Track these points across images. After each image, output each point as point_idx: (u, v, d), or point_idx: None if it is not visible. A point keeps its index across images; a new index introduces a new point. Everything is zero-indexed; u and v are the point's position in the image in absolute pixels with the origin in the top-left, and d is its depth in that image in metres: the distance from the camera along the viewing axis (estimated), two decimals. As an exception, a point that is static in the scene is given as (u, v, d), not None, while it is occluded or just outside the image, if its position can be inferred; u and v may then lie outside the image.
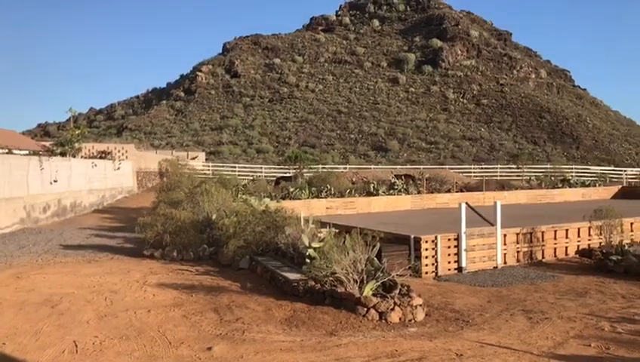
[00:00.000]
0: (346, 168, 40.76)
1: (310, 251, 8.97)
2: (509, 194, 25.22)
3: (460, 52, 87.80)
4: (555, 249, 12.50)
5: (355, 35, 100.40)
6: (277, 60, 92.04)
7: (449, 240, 10.89)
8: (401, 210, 21.01)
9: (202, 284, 9.18)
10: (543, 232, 12.30)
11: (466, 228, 10.95)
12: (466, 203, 11.37)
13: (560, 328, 6.79)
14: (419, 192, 24.17)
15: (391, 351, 5.81)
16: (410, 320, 7.04)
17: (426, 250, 10.59)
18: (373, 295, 7.36)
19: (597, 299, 8.41)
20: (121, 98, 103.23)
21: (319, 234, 10.34)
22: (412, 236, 10.73)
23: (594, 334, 6.52)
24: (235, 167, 40.09)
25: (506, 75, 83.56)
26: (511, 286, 9.53)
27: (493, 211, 11.44)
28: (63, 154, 22.03)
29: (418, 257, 10.45)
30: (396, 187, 24.26)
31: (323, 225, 12.02)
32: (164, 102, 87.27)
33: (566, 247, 12.67)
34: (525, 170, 41.12)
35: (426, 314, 7.35)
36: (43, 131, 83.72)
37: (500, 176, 40.44)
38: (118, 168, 25.46)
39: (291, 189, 22.13)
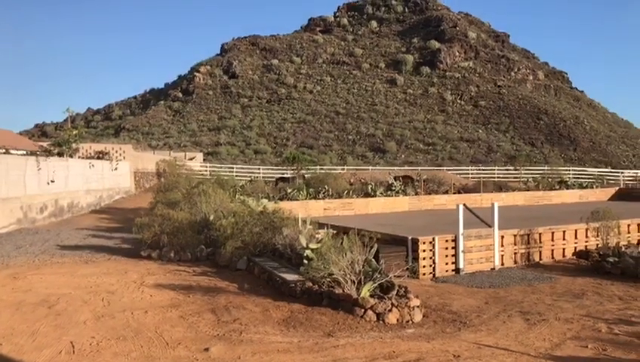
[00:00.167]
0: (343, 169, 40.78)
1: (308, 252, 8.97)
2: (506, 195, 25.26)
3: (457, 53, 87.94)
4: (552, 250, 12.52)
5: (353, 37, 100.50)
6: (275, 61, 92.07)
7: (447, 241, 10.91)
8: (398, 212, 21.01)
9: (200, 285, 9.16)
10: (540, 234, 12.32)
11: (463, 229, 10.96)
12: (464, 204, 11.39)
13: (557, 329, 6.80)
14: (416, 193, 24.19)
15: (388, 352, 5.81)
16: (407, 322, 7.04)
17: (424, 251, 10.60)
18: (371, 296, 7.36)
19: (594, 301, 8.43)
20: (119, 98, 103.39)
21: (317, 235, 10.35)
22: (410, 237, 10.74)
23: (591, 335, 6.53)
24: (232, 168, 40.06)
25: (504, 76, 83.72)
26: (508, 287, 9.54)
27: (490, 213, 11.46)
28: (60, 155, 21.97)
29: (416, 258, 10.46)
30: (394, 188, 24.27)
31: (321, 226, 12.02)
32: (162, 102, 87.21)
33: (563, 249, 12.70)
34: (523, 171, 41.17)
35: (424, 316, 7.35)
36: (40, 131, 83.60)
37: (498, 177, 40.51)
38: (116, 169, 25.41)
39: (289, 190, 22.14)
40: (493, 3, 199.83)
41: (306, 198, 21.07)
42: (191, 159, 41.09)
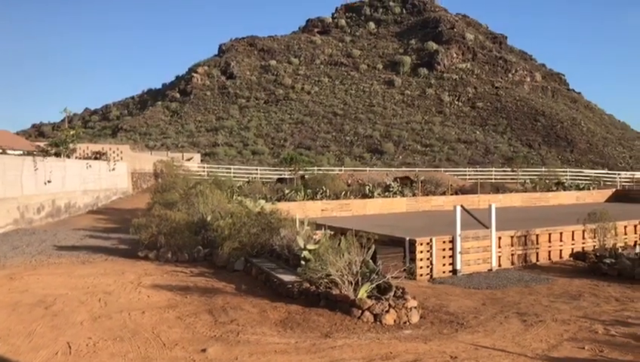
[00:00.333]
0: (341, 170, 40.78)
1: (305, 253, 8.97)
2: (503, 197, 25.31)
3: (455, 55, 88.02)
4: (549, 252, 12.55)
5: (351, 38, 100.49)
6: (273, 62, 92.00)
7: (444, 242, 10.92)
8: (396, 213, 21.04)
9: (197, 286, 9.16)
10: (537, 235, 12.35)
11: (460, 230, 10.98)
12: (461, 205, 11.41)
13: (554, 331, 6.81)
14: (414, 195, 24.22)
15: (385, 353, 5.81)
16: (404, 323, 7.05)
17: (421, 252, 10.62)
18: (368, 297, 7.37)
19: (591, 302, 8.45)
20: (117, 99, 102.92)
21: (314, 236, 10.35)
22: (407, 238, 10.75)
23: (588, 337, 6.55)
24: (230, 169, 40.03)
25: (501, 78, 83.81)
26: (505, 288, 9.56)
27: (488, 214, 11.48)
28: (57, 155, 21.93)
29: (413, 259, 10.48)
30: (391, 189, 24.30)
31: (318, 227, 12.01)
32: (160, 103, 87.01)
33: (560, 250, 12.73)
34: (520, 173, 41.24)
35: (421, 317, 7.36)
36: (37, 131, 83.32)
37: (495, 179, 40.55)
38: (113, 169, 25.36)
39: (286, 191, 22.15)
40: (490, 5, 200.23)
41: (303, 199, 21.08)
42: (188, 160, 41.05)
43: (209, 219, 13.25)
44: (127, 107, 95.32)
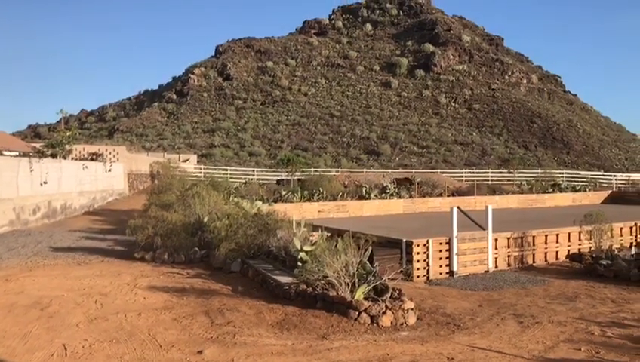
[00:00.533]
0: (338, 171, 40.76)
1: (302, 254, 8.96)
2: (500, 198, 25.35)
3: (452, 57, 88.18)
4: (545, 253, 12.58)
5: (348, 39, 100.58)
6: (270, 63, 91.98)
7: (440, 244, 10.93)
8: (393, 214, 21.05)
9: (193, 287, 9.13)
10: (533, 237, 12.37)
11: (457, 232, 10.99)
12: (458, 207, 11.42)
13: (550, 332, 6.82)
14: (411, 196, 24.24)
15: (382, 354, 5.81)
16: (401, 324, 7.04)
17: (418, 253, 10.62)
18: (365, 298, 7.36)
19: (587, 304, 8.46)
20: (113, 100, 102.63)
21: (311, 238, 10.34)
22: (404, 240, 10.76)
23: (584, 338, 6.56)
24: (227, 170, 39.98)
25: (498, 80, 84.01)
26: (502, 290, 9.57)
27: (484, 215, 11.50)
28: (53, 156, 21.85)
29: (410, 261, 10.48)
30: (388, 191, 24.32)
31: (315, 228, 12.02)
32: (156, 104, 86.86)
33: (556, 252, 12.75)
34: (516, 174, 41.33)
35: (418, 318, 7.36)
36: (33, 133, 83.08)
37: (492, 180, 40.61)
38: (109, 170, 25.29)
39: (283, 192, 22.13)
40: (487, 7, 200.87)
41: (300, 201, 21.07)
42: (185, 161, 40.99)
43: (205, 220, 13.23)
44: (124, 108, 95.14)
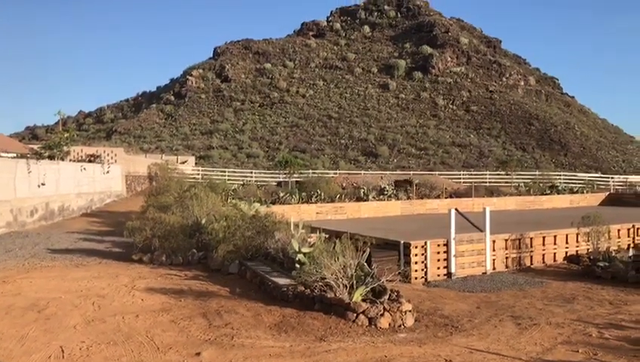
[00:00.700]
0: (336, 173, 40.77)
1: (300, 256, 8.96)
2: (497, 200, 25.38)
3: (449, 59, 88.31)
4: (543, 255, 12.59)
5: (346, 41, 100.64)
6: (268, 65, 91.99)
7: (438, 245, 10.94)
8: (390, 216, 21.05)
9: (191, 289, 9.12)
10: (531, 238, 12.39)
11: (455, 234, 11.00)
12: (456, 209, 11.42)
13: (548, 334, 6.83)
14: (409, 198, 24.25)
15: (380, 356, 5.80)
16: (399, 326, 7.04)
17: (416, 255, 10.62)
18: (363, 300, 7.36)
19: (585, 305, 8.47)
20: (111, 101, 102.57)
21: (309, 240, 10.33)
22: (402, 241, 10.76)
23: (582, 340, 6.56)
24: (225, 172, 39.97)
25: (496, 82, 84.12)
26: (500, 292, 9.57)
27: (482, 217, 11.51)
28: (51, 158, 21.80)
29: (408, 263, 10.48)
30: (386, 192, 24.33)
31: (313, 230, 12.02)
32: (154, 105, 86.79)
33: (554, 253, 12.77)
34: (514, 176, 41.38)
35: (416, 320, 7.36)
36: (31, 134, 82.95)
37: (489, 182, 40.68)
38: (107, 172, 25.26)
39: (281, 194, 22.13)
40: (485, 9, 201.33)
41: (298, 202, 21.07)
42: (183, 163, 40.97)
43: (203, 222, 13.22)
44: (122, 110, 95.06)
